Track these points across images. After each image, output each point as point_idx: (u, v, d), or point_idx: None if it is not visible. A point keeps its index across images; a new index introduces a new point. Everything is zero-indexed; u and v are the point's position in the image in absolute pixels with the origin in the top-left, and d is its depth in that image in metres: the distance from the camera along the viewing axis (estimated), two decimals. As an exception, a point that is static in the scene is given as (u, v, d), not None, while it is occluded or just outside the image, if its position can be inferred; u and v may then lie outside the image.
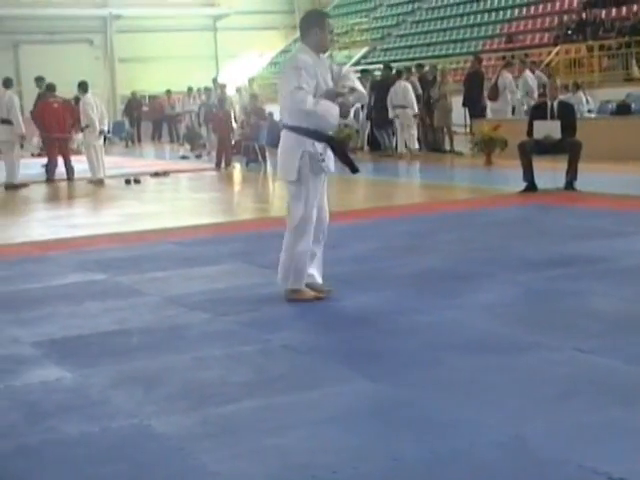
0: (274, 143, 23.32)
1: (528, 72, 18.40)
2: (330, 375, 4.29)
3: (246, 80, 27.09)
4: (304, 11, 37.52)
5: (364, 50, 31.52)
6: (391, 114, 17.78)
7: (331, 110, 5.54)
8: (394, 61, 25.28)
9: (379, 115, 18.38)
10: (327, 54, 5.84)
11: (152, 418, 3.79)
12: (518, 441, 3.34)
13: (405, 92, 17.52)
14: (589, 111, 17.21)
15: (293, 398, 3.97)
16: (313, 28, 5.62)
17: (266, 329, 5.15)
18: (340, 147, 5.87)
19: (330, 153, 5.73)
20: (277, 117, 22.28)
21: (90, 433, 3.66)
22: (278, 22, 38.33)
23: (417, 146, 17.87)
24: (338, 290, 6.03)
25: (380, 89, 18.36)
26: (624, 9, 22.82)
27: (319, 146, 5.65)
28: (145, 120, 29.93)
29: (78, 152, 18.16)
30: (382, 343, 4.78)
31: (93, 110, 15.53)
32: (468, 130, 18.57)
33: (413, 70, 19.74)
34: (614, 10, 23.04)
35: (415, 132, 17.87)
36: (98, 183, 15.33)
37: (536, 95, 17.54)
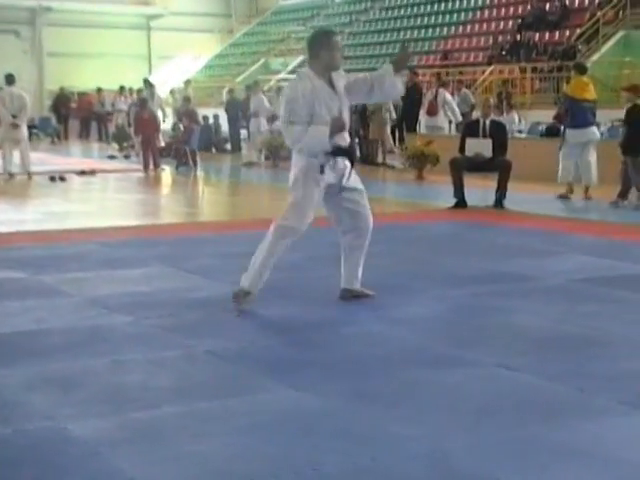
0: (206, 147, 23.30)
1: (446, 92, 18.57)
2: (253, 383, 4.24)
3: (181, 82, 26.89)
4: (240, 15, 37.28)
5: (300, 58, 31.55)
6: None
7: (318, 135, 5.49)
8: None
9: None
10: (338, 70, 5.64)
11: (69, 421, 3.68)
12: (439, 455, 3.34)
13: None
14: (519, 131, 17.51)
15: (215, 405, 3.91)
16: (320, 50, 5.49)
17: (190, 334, 5.07)
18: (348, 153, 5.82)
19: (340, 165, 5.70)
20: (211, 121, 22.27)
21: (2, 434, 3.55)
22: (214, 25, 38.18)
23: None
24: (264, 299, 5.98)
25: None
26: (557, 33, 23.33)
27: (323, 158, 5.60)
28: (73, 117, 29.40)
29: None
30: (308, 353, 4.74)
31: (4, 104, 15.15)
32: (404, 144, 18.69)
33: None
34: (547, 34, 23.53)
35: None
36: (6, 178, 14.97)
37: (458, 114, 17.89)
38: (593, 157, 12.00)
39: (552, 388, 4.14)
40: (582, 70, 12.43)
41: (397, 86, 5.67)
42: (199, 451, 3.37)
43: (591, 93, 12.09)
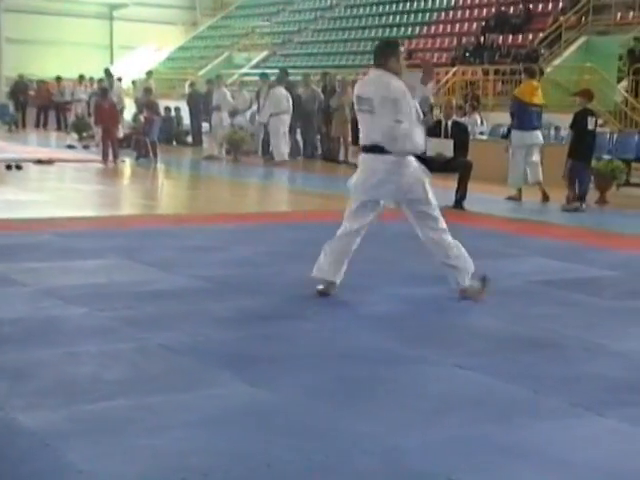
0: (166, 139, 23.04)
1: None
2: (208, 377, 4.21)
3: (143, 73, 26.65)
4: (205, 8, 36.96)
5: (264, 54, 31.48)
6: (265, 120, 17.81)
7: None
8: (293, 67, 25.31)
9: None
10: None
11: (18, 412, 3.63)
12: (393, 452, 3.34)
13: (279, 99, 17.47)
14: (481, 133, 17.61)
15: (168, 398, 3.87)
16: (391, 57, 5.85)
17: (145, 327, 5.03)
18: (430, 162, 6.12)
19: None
20: (172, 113, 22.12)
21: (-50, 425, 3.48)
22: (178, 18, 37.94)
23: (285, 157, 17.77)
24: (221, 293, 5.96)
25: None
26: (520, 37, 23.51)
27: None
28: (31, 105, 28.97)
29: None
30: (263, 348, 4.72)
31: None
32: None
33: (312, 77, 19.82)
34: (511, 37, 23.70)
35: (281, 141, 17.79)
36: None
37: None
38: (537, 158, 12.19)
39: (506, 388, 4.16)
40: (533, 74, 12.59)
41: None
42: (151, 445, 3.33)
43: (539, 97, 12.25)
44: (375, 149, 5.78)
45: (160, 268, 6.74)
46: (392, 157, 5.76)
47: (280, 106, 17.43)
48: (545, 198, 12.07)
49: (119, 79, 23.38)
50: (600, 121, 19.11)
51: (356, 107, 5.95)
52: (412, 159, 5.87)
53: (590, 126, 11.33)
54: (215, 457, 3.26)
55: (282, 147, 17.68)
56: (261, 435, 3.48)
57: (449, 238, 5.91)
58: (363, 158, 5.92)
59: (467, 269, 5.90)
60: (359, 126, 5.98)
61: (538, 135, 12.29)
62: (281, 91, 17.62)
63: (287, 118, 17.59)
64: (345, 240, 5.96)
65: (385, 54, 5.88)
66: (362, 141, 5.91)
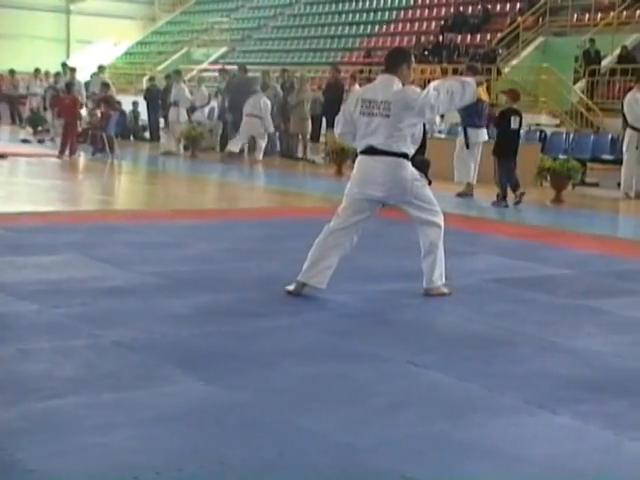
0: (123, 134, 22.80)
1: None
2: (162, 374, 4.17)
3: (99, 67, 26.35)
4: (163, 3, 36.53)
5: (223, 50, 31.36)
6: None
7: None
8: (252, 64, 25.25)
9: (235, 117, 18.28)
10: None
11: (-33, 410, 3.56)
12: (346, 449, 3.34)
13: (263, 105, 17.37)
14: (440, 132, 17.70)
15: (120, 396, 3.83)
16: (402, 64, 5.93)
17: (99, 324, 4.97)
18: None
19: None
20: (128, 108, 21.92)
21: None
22: (136, 12, 37.63)
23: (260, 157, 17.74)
24: (177, 289, 5.91)
25: (236, 91, 18.27)
26: (479, 36, 23.68)
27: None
28: (-16, 99, 28.52)
29: None
30: (219, 346, 4.69)
31: None
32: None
33: (271, 74, 19.78)
34: (469, 36, 23.86)
35: (263, 144, 17.74)
36: None
37: None
38: (478, 156, 12.37)
39: (460, 386, 4.18)
40: (477, 72, 12.74)
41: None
42: (103, 443, 3.29)
43: (485, 95, 12.41)
44: (380, 151, 5.82)
45: (115, 264, 6.67)
46: (394, 158, 5.82)
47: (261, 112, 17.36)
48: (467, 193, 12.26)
49: (72, 69, 23.08)
50: (556, 121, 19.43)
51: (361, 110, 5.88)
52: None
53: (514, 125, 11.58)
54: (167, 455, 3.23)
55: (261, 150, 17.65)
56: (215, 433, 3.46)
57: (441, 237, 5.97)
58: (364, 159, 5.93)
59: (443, 269, 6.01)
60: (358, 128, 5.92)
61: (485, 132, 12.45)
62: (265, 100, 17.46)
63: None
64: (323, 241, 5.95)
65: (398, 61, 5.97)
66: (365, 143, 5.89)
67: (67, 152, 16.46)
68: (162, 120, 21.22)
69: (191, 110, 19.25)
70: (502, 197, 11.58)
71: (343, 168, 14.87)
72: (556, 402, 3.95)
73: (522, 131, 16.88)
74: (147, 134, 22.06)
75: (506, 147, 11.44)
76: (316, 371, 4.30)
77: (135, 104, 22.41)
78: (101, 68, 24.83)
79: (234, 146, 17.47)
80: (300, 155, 18.21)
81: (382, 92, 5.87)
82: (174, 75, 20.49)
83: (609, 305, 6.00)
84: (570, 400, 4.01)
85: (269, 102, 17.49)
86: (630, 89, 14.34)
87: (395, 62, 5.97)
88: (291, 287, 5.90)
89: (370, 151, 5.88)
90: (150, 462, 3.15)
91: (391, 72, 5.94)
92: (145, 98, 22.05)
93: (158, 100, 21.19)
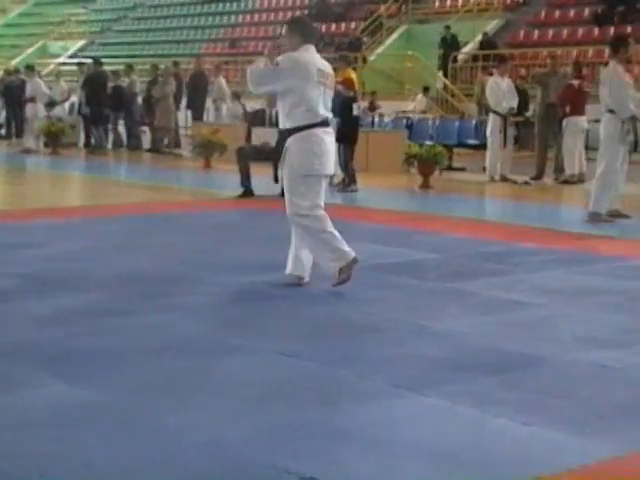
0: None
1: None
2: (24, 379, 4.03)
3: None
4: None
5: (81, 43, 30.60)
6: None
7: None
8: (113, 57, 24.74)
9: (93, 111, 17.94)
10: None
11: None
12: (217, 443, 3.29)
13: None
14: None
15: (-20, 403, 3.67)
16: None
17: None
18: None
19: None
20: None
21: None
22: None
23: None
24: (40, 290, 5.72)
25: (93, 84, 17.95)
26: (343, 25, 23.87)
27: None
28: None
29: None
30: (84, 346, 4.55)
31: None
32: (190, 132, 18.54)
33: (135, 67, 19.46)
34: (334, 25, 24.03)
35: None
36: None
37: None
38: None
39: (330, 373, 4.18)
40: (350, 62, 12.98)
41: None
42: (-39, 453, 3.15)
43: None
44: (327, 124, 5.80)
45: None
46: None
47: None
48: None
49: None
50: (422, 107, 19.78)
51: (317, 79, 5.62)
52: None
53: (355, 112, 11.90)
54: (31, 461, 3.12)
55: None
56: (81, 435, 3.35)
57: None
58: (321, 132, 5.70)
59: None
60: (312, 99, 5.61)
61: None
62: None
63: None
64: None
65: (308, 31, 5.87)
66: (322, 114, 5.69)
67: None
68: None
69: (51, 105, 18.68)
70: (349, 182, 11.77)
71: (211, 161, 14.74)
72: (425, 384, 4.00)
73: (388, 119, 17.27)
74: (3, 131, 21.30)
75: (347, 133, 11.61)
76: (184, 366, 4.23)
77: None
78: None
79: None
80: (166, 149, 17.94)
81: (322, 62, 5.79)
82: (25, 70, 19.69)
83: (475, 286, 6.13)
84: (439, 381, 4.06)
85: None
86: (491, 74, 14.73)
87: (308, 32, 5.84)
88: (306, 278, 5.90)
89: (324, 123, 5.75)
90: (11, 469, 3.04)
91: (312, 42, 5.84)
92: (2, 94, 21.25)
93: (15, 96, 20.40)
